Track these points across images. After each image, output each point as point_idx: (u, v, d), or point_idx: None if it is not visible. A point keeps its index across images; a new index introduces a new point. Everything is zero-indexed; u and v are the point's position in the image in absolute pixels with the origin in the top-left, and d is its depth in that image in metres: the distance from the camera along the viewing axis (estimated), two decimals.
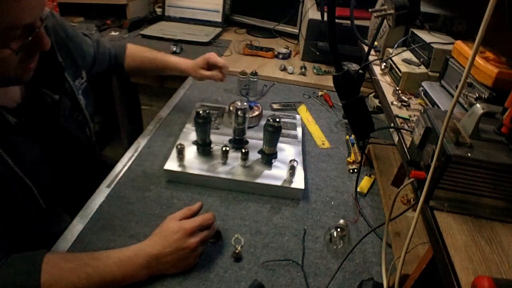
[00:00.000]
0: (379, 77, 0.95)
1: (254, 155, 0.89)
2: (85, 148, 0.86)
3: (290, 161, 0.83)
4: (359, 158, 0.99)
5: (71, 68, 0.81)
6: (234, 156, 0.89)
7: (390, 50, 0.99)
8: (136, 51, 1.08)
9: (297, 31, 1.82)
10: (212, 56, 1.04)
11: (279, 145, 0.91)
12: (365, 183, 0.92)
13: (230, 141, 0.94)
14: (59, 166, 0.76)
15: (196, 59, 1.06)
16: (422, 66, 0.89)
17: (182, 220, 0.68)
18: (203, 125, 0.84)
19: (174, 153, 0.87)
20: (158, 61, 1.07)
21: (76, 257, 0.61)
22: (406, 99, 0.81)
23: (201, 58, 1.05)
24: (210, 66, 1.05)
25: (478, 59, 0.65)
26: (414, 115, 0.75)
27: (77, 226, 0.72)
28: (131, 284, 0.61)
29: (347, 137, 1.11)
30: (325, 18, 0.81)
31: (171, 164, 0.85)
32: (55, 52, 0.74)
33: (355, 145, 1.06)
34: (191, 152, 0.89)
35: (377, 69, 0.99)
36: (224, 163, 0.87)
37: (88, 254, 0.62)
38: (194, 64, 1.05)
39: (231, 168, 0.86)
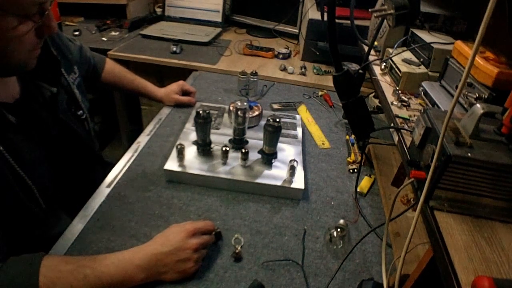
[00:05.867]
0: (379, 77, 0.95)
1: (254, 155, 0.89)
2: (84, 143, 0.87)
3: (290, 161, 0.83)
4: (359, 158, 0.99)
5: (64, 63, 0.82)
6: (234, 156, 0.89)
7: (390, 50, 0.99)
8: (117, 68, 1.15)
9: (297, 31, 1.82)
10: (185, 84, 1.20)
11: (279, 145, 0.91)
12: (365, 183, 0.92)
13: (230, 141, 0.94)
14: (59, 165, 0.76)
15: (170, 87, 1.19)
16: (422, 66, 0.89)
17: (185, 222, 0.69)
18: (203, 125, 0.84)
19: (174, 153, 0.87)
20: (136, 83, 1.17)
21: (75, 259, 0.60)
22: (406, 99, 0.81)
23: (175, 85, 1.19)
24: (183, 92, 1.20)
25: (478, 59, 0.65)
26: (414, 115, 0.75)
27: (77, 226, 0.72)
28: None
29: (347, 137, 1.11)
30: (325, 18, 0.81)
31: (171, 164, 0.85)
32: (49, 47, 0.76)
33: (355, 145, 1.06)
34: (191, 152, 0.89)
35: (377, 69, 0.99)
36: (224, 163, 0.87)
37: (87, 256, 0.61)
38: (170, 91, 1.18)
39: (231, 168, 0.86)
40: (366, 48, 1.02)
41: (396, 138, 0.70)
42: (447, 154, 0.47)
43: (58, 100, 0.78)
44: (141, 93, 1.19)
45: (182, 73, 1.46)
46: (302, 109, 1.25)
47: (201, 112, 0.82)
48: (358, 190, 0.89)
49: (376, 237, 0.77)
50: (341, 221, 0.77)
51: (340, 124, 1.19)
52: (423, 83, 0.81)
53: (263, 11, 1.87)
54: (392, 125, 0.73)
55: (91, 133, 0.91)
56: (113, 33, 1.72)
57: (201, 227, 0.68)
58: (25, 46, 0.61)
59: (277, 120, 0.83)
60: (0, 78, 0.66)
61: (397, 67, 0.89)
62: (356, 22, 1.07)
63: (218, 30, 1.83)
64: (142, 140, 1.01)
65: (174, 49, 1.54)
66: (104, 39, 1.65)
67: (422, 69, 0.88)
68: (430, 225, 0.49)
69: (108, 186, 0.83)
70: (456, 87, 0.73)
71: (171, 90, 1.17)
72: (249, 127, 1.01)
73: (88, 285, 0.57)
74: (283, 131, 0.90)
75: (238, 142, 0.92)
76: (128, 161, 0.92)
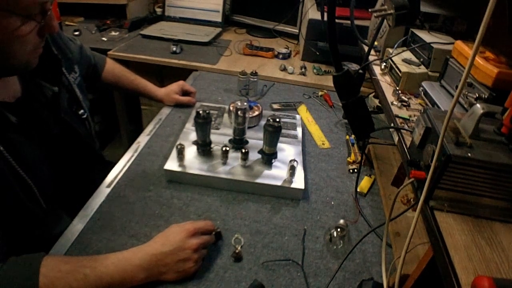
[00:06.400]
0: (379, 77, 0.95)
1: (254, 155, 0.89)
2: (85, 142, 0.87)
3: (290, 161, 0.83)
4: (359, 158, 0.99)
5: (64, 62, 0.82)
6: (234, 156, 0.89)
7: (390, 50, 0.99)
8: (117, 68, 1.15)
9: (297, 31, 1.82)
10: (185, 84, 1.21)
11: (279, 145, 0.91)
12: (365, 183, 0.92)
13: (230, 141, 0.94)
14: (59, 164, 0.76)
15: (170, 87, 1.19)
16: (422, 66, 0.89)
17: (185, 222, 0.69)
18: (203, 125, 0.84)
19: (174, 153, 0.87)
20: (136, 83, 1.17)
21: (75, 259, 0.60)
22: (406, 99, 0.81)
23: (175, 85, 1.19)
24: (183, 92, 1.20)
25: (478, 59, 0.65)
26: (414, 115, 0.75)
27: (77, 226, 0.72)
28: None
29: (347, 137, 1.11)
30: (325, 18, 0.81)
31: (171, 164, 0.85)
32: (50, 46, 0.76)
33: (355, 145, 1.06)
34: (191, 152, 0.89)
35: (377, 69, 0.99)
36: (224, 163, 0.87)
37: (87, 256, 0.61)
38: (170, 91, 1.18)
39: (231, 168, 0.86)
40: (366, 48, 1.02)
41: (396, 138, 0.70)
42: (447, 154, 0.47)
43: (60, 100, 0.78)
44: (141, 93, 1.19)
45: (182, 73, 1.46)
46: (302, 109, 1.25)
47: (201, 112, 0.82)
48: (358, 190, 0.89)
49: (376, 237, 0.77)
50: (341, 221, 0.77)
51: (340, 124, 1.19)
52: (423, 83, 0.81)
53: (263, 11, 1.87)
54: (392, 125, 0.73)
55: (92, 132, 0.91)
56: (113, 33, 1.72)
57: (201, 227, 0.68)
58: (28, 45, 0.62)
59: (277, 120, 0.83)
60: (2, 78, 0.66)
61: (397, 67, 0.89)
62: (356, 22, 1.07)
63: (218, 30, 1.83)
64: (142, 140, 1.01)
65: (174, 49, 1.54)
66: (104, 39, 1.65)
67: (422, 69, 0.88)
68: (430, 225, 0.49)
69: (108, 186, 0.83)
70: (456, 87, 0.73)
71: (171, 90, 1.17)
72: (249, 127, 1.01)
73: (88, 285, 0.57)
74: (283, 131, 0.90)
75: (238, 142, 0.92)
76: (128, 161, 0.92)
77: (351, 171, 0.97)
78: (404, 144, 0.65)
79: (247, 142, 0.94)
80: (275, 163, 0.89)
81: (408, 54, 0.96)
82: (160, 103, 1.19)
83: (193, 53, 1.58)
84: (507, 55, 0.67)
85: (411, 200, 0.79)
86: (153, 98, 1.18)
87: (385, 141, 1.03)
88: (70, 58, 0.87)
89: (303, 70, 1.50)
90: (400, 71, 0.87)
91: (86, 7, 1.85)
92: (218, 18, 1.88)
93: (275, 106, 1.25)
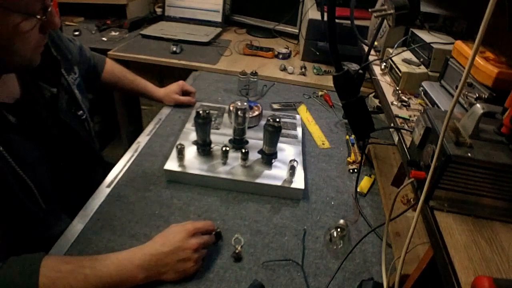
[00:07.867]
0: (379, 77, 0.95)
1: (254, 155, 0.89)
2: (85, 143, 0.87)
3: (290, 161, 0.83)
4: (359, 158, 0.99)
5: (64, 63, 0.82)
6: (234, 156, 0.89)
7: (390, 50, 0.99)
8: (117, 68, 1.15)
9: (297, 31, 1.82)
10: (185, 84, 1.21)
11: (279, 145, 0.91)
12: (365, 183, 0.92)
13: (230, 141, 0.94)
14: (59, 165, 0.76)
15: (170, 87, 1.19)
16: (422, 66, 0.89)
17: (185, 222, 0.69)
18: (203, 125, 0.84)
19: (174, 153, 0.87)
20: (136, 83, 1.17)
21: (75, 259, 0.60)
22: (406, 99, 0.81)
23: (175, 85, 1.19)
24: (183, 92, 1.20)
25: (478, 59, 0.65)
26: (414, 115, 0.75)
27: (77, 226, 0.72)
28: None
29: (347, 137, 1.11)
30: (325, 18, 0.81)
31: (171, 164, 0.85)
32: (49, 47, 0.76)
33: (355, 145, 1.06)
34: (191, 152, 0.89)
35: (377, 69, 0.99)
36: (224, 163, 0.87)
37: (87, 256, 0.61)
38: (170, 91, 1.18)
39: (231, 168, 0.86)
40: (366, 48, 1.02)
41: (396, 138, 0.70)
42: (447, 154, 0.47)
43: (58, 101, 0.78)
44: (141, 93, 1.19)
45: (182, 73, 1.46)
46: (302, 109, 1.25)
47: (201, 112, 0.82)
48: (358, 190, 0.89)
49: (376, 237, 0.77)
50: (341, 221, 0.77)
51: (340, 124, 1.19)
52: (423, 83, 0.81)
53: (263, 11, 1.87)
54: (392, 125, 0.74)
55: (91, 133, 0.91)
56: (113, 33, 1.72)
57: (201, 227, 0.68)
58: (30, 43, 0.62)
59: (277, 120, 0.83)
60: (1, 79, 0.66)
61: (397, 67, 0.89)
62: (356, 22, 1.07)
63: (218, 30, 1.83)
64: (142, 140, 1.01)
65: (174, 49, 1.54)
66: (104, 39, 1.65)
67: (422, 69, 0.88)
68: (430, 225, 0.49)
69: (108, 186, 0.83)
70: (456, 87, 0.73)
71: (171, 90, 1.17)
72: (249, 127, 1.01)
73: (88, 285, 0.57)
74: (283, 131, 0.90)
75: (238, 142, 0.92)
76: (128, 161, 0.92)
77: (351, 171, 0.97)
78: (404, 144, 0.65)
79: (247, 142, 0.94)
80: (275, 163, 0.89)
81: (408, 54, 0.96)
82: (160, 103, 1.19)
83: (193, 53, 1.58)
84: (507, 55, 0.67)
85: (411, 200, 0.79)
86: (153, 98, 1.18)
87: (385, 141, 1.03)
88: (69, 59, 0.87)
89: (303, 70, 1.50)
90: (400, 71, 0.87)
91: (86, 7, 1.84)
92: (218, 18, 1.88)
93: (275, 106, 1.25)
